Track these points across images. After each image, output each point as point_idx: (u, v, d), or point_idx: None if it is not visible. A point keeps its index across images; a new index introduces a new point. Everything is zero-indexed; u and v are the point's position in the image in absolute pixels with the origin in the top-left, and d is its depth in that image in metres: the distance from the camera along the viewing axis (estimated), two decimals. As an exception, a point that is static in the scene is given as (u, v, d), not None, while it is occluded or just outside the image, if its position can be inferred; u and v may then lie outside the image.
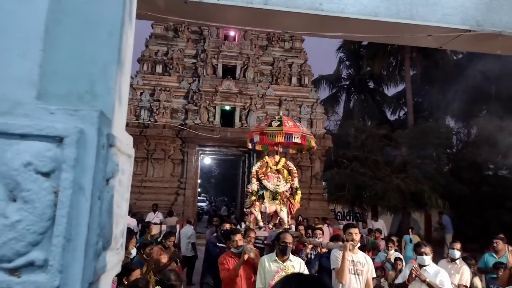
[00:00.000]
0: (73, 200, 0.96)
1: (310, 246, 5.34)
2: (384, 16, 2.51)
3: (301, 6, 2.44)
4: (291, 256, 4.12)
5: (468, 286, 4.80)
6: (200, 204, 25.87)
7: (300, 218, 11.85)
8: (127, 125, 12.56)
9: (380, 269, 6.54)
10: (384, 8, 2.50)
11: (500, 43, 2.76)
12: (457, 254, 4.90)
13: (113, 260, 1.18)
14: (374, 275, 4.19)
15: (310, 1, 2.42)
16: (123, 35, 1.19)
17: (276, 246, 4.20)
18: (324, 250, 5.00)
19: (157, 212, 11.38)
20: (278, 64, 16.20)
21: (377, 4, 2.46)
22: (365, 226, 12.99)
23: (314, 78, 18.54)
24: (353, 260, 4.03)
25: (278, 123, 6.12)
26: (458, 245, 4.96)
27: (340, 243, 4.32)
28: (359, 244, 4.22)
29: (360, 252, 4.22)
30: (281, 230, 6.05)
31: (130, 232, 6.75)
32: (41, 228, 0.93)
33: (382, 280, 6.45)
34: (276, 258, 4.03)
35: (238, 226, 6.63)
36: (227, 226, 6.31)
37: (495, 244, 5.90)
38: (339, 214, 16.95)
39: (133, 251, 5.14)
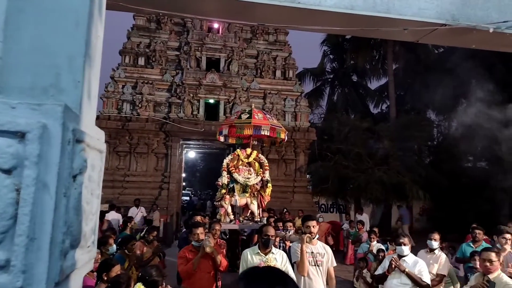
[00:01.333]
0: (36, 198, 0.92)
1: (277, 239, 5.38)
2: (361, 10, 2.51)
3: (278, -2, 2.41)
4: (274, 249, 4.14)
5: (446, 275, 4.92)
6: (184, 198, 25.75)
7: (285, 210, 11.94)
8: (108, 118, 12.44)
9: (363, 260, 6.65)
10: (361, 2, 2.49)
11: (475, 37, 2.81)
12: (435, 244, 5.00)
13: (84, 258, 1.16)
14: (335, 264, 4.22)
15: (288, -7, 2.40)
16: (91, 26, 1.15)
17: (258, 239, 4.21)
18: (288, 243, 5.04)
19: (140, 207, 11.26)
20: (263, 57, 16.14)
21: (354, -3, 2.47)
22: (348, 218, 13.19)
23: (298, 71, 18.56)
24: (312, 252, 4.05)
25: (248, 115, 6.08)
26: (436, 236, 5.07)
27: (302, 235, 4.34)
28: (317, 236, 4.24)
29: (319, 243, 4.24)
30: (251, 223, 6.09)
31: (109, 228, 6.68)
32: (2, 227, 0.89)
33: (365, 271, 6.56)
34: (259, 251, 4.04)
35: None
36: (198, 218, 6.28)
37: (476, 234, 6.06)
38: (323, 206, 17.13)
39: (113, 247, 5.06)
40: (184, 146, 15.96)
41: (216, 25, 15.88)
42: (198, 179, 45.41)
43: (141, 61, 15.36)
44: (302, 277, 3.97)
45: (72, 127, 1.01)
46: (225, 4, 2.48)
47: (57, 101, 1.02)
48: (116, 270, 3.90)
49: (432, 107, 20.85)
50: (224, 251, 6.07)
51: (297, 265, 4.04)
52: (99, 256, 4.44)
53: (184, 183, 27.24)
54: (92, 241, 1.27)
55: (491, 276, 3.54)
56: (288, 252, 4.91)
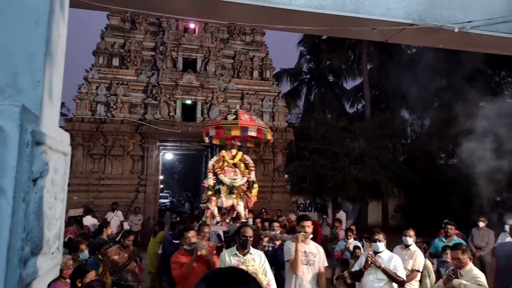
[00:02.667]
0: (-9, 203, 0.87)
1: (266, 239, 5.39)
2: (330, 9, 2.54)
3: (248, -4, 2.41)
4: (252, 249, 4.13)
5: (421, 270, 5.04)
6: (162, 200, 25.42)
7: (263, 210, 11.96)
8: (82, 120, 12.10)
9: (343, 262, 6.71)
10: (331, 1, 2.52)
11: (442, 37, 2.90)
12: (410, 240, 5.12)
13: (47, 265, 1.11)
14: (326, 264, 4.28)
15: (258, -8, 2.39)
16: (52, 24, 1.11)
17: (236, 240, 4.19)
18: (278, 242, 5.05)
19: (116, 211, 11.01)
20: (240, 57, 16.12)
21: (324, -3, 2.49)
22: (326, 216, 13.34)
23: (275, 71, 18.64)
24: (305, 251, 4.09)
25: (234, 116, 6.07)
26: (411, 232, 5.19)
27: (296, 234, 4.38)
28: (311, 236, 4.29)
29: (312, 243, 4.29)
30: (238, 224, 6.07)
31: (81, 233, 6.49)
32: (-46, 236, 0.84)
33: (345, 272, 6.63)
34: (237, 252, 4.02)
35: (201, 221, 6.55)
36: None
37: (448, 230, 6.27)
38: (301, 205, 17.28)
39: (85, 253, 4.91)
40: (161, 148, 15.72)
41: (192, 25, 15.74)
42: (176, 181, 44.91)
43: (116, 61, 15.04)
44: (294, 275, 3.99)
45: (31, 129, 0.97)
46: (195, 3, 2.45)
47: (15, 102, 0.97)
48: (91, 276, 3.80)
49: (406, 106, 21.42)
50: (214, 252, 6.03)
51: (290, 263, 4.06)
52: (71, 262, 4.31)
53: (161, 186, 26.90)
54: (57, 247, 1.22)
55: (461, 271, 3.66)
56: (274, 252, 4.92)
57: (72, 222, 8.82)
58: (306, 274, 4.04)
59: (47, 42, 1.08)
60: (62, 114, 26.16)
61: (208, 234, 5.45)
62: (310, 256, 4.11)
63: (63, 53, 1.26)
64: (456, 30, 2.75)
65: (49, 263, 1.14)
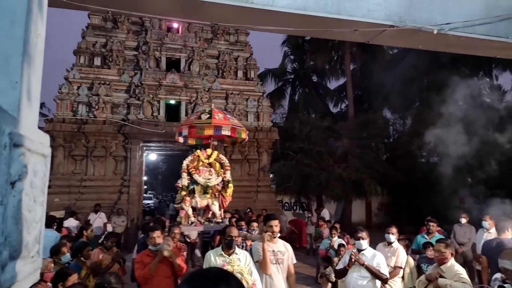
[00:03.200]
0: (-33, 208, 0.85)
1: (239, 239, 5.38)
2: (313, 10, 2.56)
3: (231, -3, 2.40)
4: (237, 249, 4.12)
5: (403, 267, 5.14)
6: (146, 201, 25.14)
7: (248, 210, 11.97)
8: (63, 121, 11.87)
9: (326, 259, 6.77)
10: (313, 3, 2.55)
11: (421, 38, 2.97)
12: (392, 238, 5.21)
13: (26, 270, 1.09)
14: (295, 261, 4.30)
15: (241, -6, 2.39)
16: (30, 23, 1.08)
17: (221, 240, 4.18)
18: (249, 242, 5.05)
19: (99, 213, 10.83)
20: (224, 57, 16.08)
21: (306, -2, 2.51)
22: (311, 215, 13.44)
23: (260, 72, 18.68)
24: (273, 250, 4.11)
25: (208, 115, 6.00)
26: (393, 230, 5.28)
27: (262, 234, 4.39)
28: (279, 234, 4.31)
29: (280, 241, 4.30)
30: (212, 225, 6.05)
31: (64, 236, 6.36)
32: None
33: (328, 269, 6.70)
34: (222, 252, 4.01)
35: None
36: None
37: (430, 226, 6.40)
38: (286, 204, 17.37)
39: (66, 256, 4.82)
40: (144, 148, 15.55)
41: (175, 25, 15.62)
42: (160, 182, 44.48)
43: (97, 61, 14.79)
44: (264, 275, 4.00)
45: (9, 131, 0.94)
46: (177, 3, 2.43)
47: (-9, 103, 0.95)
48: (73, 279, 3.74)
49: (388, 105, 21.79)
50: (185, 254, 5.97)
51: (260, 264, 4.06)
52: (52, 265, 4.23)
53: (145, 187, 26.60)
54: (37, 250, 1.19)
55: (443, 267, 3.74)
56: (250, 251, 4.92)
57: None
58: (275, 273, 4.06)
59: (25, 42, 1.06)
60: (42, 115, 25.56)
61: (179, 235, 5.40)
62: (279, 255, 4.14)
63: (41, 53, 1.23)
64: (435, 31, 2.82)
65: (29, 267, 1.12)
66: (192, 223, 5.87)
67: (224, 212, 6.80)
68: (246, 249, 5.16)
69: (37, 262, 1.20)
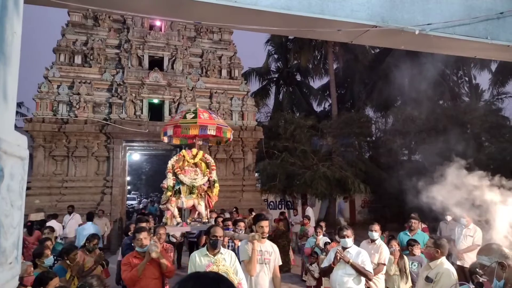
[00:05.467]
0: None
1: (226, 239, 5.38)
2: (297, 10, 2.56)
3: (214, -4, 2.38)
4: (222, 249, 4.11)
5: (386, 263, 5.22)
6: (130, 202, 24.80)
7: (235, 209, 11.95)
8: (43, 121, 11.58)
9: (311, 255, 6.84)
10: (297, 2, 2.55)
11: (403, 39, 3.01)
12: (376, 235, 5.29)
13: (4, 277, 1.05)
14: (280, 263, 4.34)
15: (224, -8, 2.37)
16: (5, 21, 1.04)
17: (206, 240, 4.16)
18: (238, 242, 5.06)
19: (73, 214, 10.57)
20: (208, 56, 15.97)
21: (290, -2, 2.51)
22: (296, 213, 13.52)
23: (244, 70, 18.66)
24: (261, 250, 4.14)
25: (193, 115, 5.95)
26: (376, 227, 5.37)
27: (251, 234, 4.40)
28: (267, 235, 4.33)
29: (267, 242, 4.33)
30: (199, 225, 6.02)
31: (46, 239, 6.21)
32: None
33: (313, 265, 6.76)
34: (207, 252, 3.99)
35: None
36: (143, 224, 6.03)
37: (412, 224, 6.53)
38: (271, 203, 17.41)
39: (50, 259, 4.72)
40: (127, 148, 15.31)
41: (158, 23, 15.43)
42: (144, 182, 43.95)
43: (78, 59, 14.48)
44: (249, 276, 4.01)
45: (-17, 133, 0.91)
46: (159, 1, 2.39)
47: (-36, 104, 0.91)
48: (54, 283, 3.66)
49: (370, 104, 22.10)
50: (172, 255, 5.91)
51: (245, 264, 4.06)
52: (31, 269, 4.12)
53: (129, 187, 26.24)
54: (15, 256, 1.15)
55: (432, 263, 3.81)
56: (237, 251, 4.91)
57: (35, 227, 8.42)
58: (261, 273, 4.07)
59: (0, 41, 1.02)
60: (21, 114, 24.87)
61: (165, 236, 5.35)
62: (266, 255, 4.16)
63: (18, 51, 1.19)
64: (417, 32, 2.86)
65: (7, 274, 1.08)
66: (178, 223, 5.82)
67: (210, 212, 6.76)
68: (233, 249, 5.15)
69: (15, 269, 1.16)
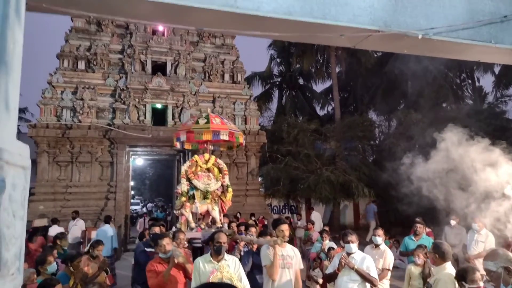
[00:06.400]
0: None
1: (242, 243, 5.36)
2: (299, 15, 2.56)
3: (216, 2, 2.37)
4: (226, 255, 4.09)
5: (391, 269, 5.16)
6: (133, 207, 24.80)
7: (238, 214, 11.92)
8: (47, 126, 11.63)
9: (317, 259, 6.78)
10: (299, 8, 2.54)
11: (406, 43, 3.00)
12: (379, 240, 5.24)
13: (5, 288, 1.03)
14: (302, 267, 4.32)
15: (225, -2, 2.37)
16: (6, 31, 1.03)
17: (210, 247, 4.14)
18: (255, 246, 5.04)
19: (76, 220, 10.57)
20: (210, 60, 16.02)
21: (292, 3, 2.50)
22: (300, 218, 13.45)
23: (246, 75, 18.65)
24: (282, 254, 4.12)
25: (205, 120, 5.97)
26: (380, 232, 5.31)
27: (269, 238, 4.38)
28: (287, 239, 4.31)
29: (288, 245, 4.31)
30: (214, 230, 6.00)
31: (49, 246, 6.22)
32: None
33: (316, 270, 6.70)
34: (211, 258, 3.97)
35: (174, 228, 6.42)
36: (156, 229, 6.04)
37: (417, 228, 6.46)
38: (275, 208, 17.36)
39: (53, 266, 4.70)
40: (131, 153, 15.34)
41: (161, 28, 15.50)
42: (148, 187, 43.98)
43: (81, 65, 14.56)
44: (271, 280, 3.99)
45: (-15, 144, 0.90)
46: (161, 8, 2.39)
47: (-35, 115, 0.90)
48: (57, 290, 3.64)
49: (373, 108, 22.03)
50: (191, 259, 5.91)
51: (268, 269, 4.04)
52: (34, 276, 4.11)
53: (132, 192, 26.24)
54: (17, 267, 1.14)
55: (434, 269, 3.78)
56: (247, 255, 4.88)
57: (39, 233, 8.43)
58: (284, 277, 4.05)
59: (1, 50, 1.01)
60: (25, 120, 25.00)
61: (184, 241, 5.36)
62: (288, 259, 4.14)
63: (19, 60, 1.18)
64: (420, 36, 2.85)
65: (9, 285, 1.07)
66: (192, 229, 5.82)
67: (223, 217, 6.76)
68: (249, 251, 5.13)
69: (18, 280, 1.15)
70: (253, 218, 11.99)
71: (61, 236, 6.89)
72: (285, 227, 4.23)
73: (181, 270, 4.19)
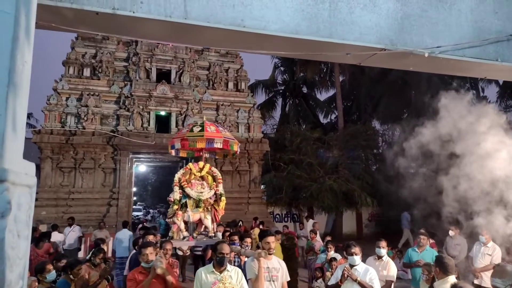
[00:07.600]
0: None
1: (232, 254, 5.31)
2: (305, 34, 2.58)
3: (222, 21, 2.40)
4: (228, 266, 4.05)
5: (394, 280, 5.11)
6: (135, 213, 24.78)
7: (240, 223, 11.86)
8: (51, 132, 11.68)
9: (319, 270, 6.71)
10: (305, 27, 2.56)
11: (412, 61, 3.00)
12: (383, 251, 5.19)
13: (9, 309, 1.03)
14: (288, 279, 4.25)
15: (232, 17, 2.39)
16: (16, 52, 1.05)
17: (213, 257, 4.11)
18: (244, 258, 4.99)
19: (73, 226, 10.55)
20: (214, 69, 16.11)
21: (298, 22, 2.52)
22: (302, 227, 13.37)
23: (250, 83, 18.74)
24: (268, 267, 4.05)
25: (200, 128, 5.95)
26: (383, 243, 5.26)
27: (257, 251, 4.32)
28: (274, 251, 4.26)
29: (274, 258, 4.25)
30: (205, 239, 5.96)
31: (49, 253, 6.20)
32: None
33: (319, 281, 6.64)
34: (213, 269, 3.94)
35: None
36: (150, 237, 5.98)
37: (421, 240, 6.39)
38: (277, 216, 17.27)
39: (51, 274, 4.68)
40: (134, 160, 15.39)
41: (166, 36, 15.63)
42: (150, 193, 43.98)
43: (87, 72, 14.68)
44: None
45: (-8, 167, 0.91)
46: (168, 28, 2.41)
47: (-26, 138, 0.91)
48: (57, 299, 3.63)
49: (377, 116, 21.99)
50: (177, 270, 5.85)
51: (253, 282, 3.99)
52: (36, 284, 4.10)
53: (134, 198, 26.26)
54: (20, 287, 1.14)
55: (436, 283, 3.74)
56: (243, 267, 4.84)
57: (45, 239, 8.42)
58: None
59: (10, 72, 1.02)
60: (30, 126, 25.15)
61: (171, 251, 5.29)
62: (273, 272, 4.08)
63: (28, 80, 1.20)
64: (426, 55, 2.85)
65: (11, 306, 1.07)
66: (184, 237, 5.78)
67: (218, 225, 6.71)
68: (239, 265, 5.08)
69: (20, 299, 1.15)
70: (257, 221, 11.94)
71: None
72: (271, 239, 4.16)
73: (161, 282, 4.07)
